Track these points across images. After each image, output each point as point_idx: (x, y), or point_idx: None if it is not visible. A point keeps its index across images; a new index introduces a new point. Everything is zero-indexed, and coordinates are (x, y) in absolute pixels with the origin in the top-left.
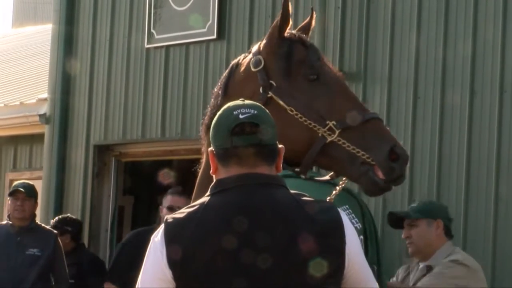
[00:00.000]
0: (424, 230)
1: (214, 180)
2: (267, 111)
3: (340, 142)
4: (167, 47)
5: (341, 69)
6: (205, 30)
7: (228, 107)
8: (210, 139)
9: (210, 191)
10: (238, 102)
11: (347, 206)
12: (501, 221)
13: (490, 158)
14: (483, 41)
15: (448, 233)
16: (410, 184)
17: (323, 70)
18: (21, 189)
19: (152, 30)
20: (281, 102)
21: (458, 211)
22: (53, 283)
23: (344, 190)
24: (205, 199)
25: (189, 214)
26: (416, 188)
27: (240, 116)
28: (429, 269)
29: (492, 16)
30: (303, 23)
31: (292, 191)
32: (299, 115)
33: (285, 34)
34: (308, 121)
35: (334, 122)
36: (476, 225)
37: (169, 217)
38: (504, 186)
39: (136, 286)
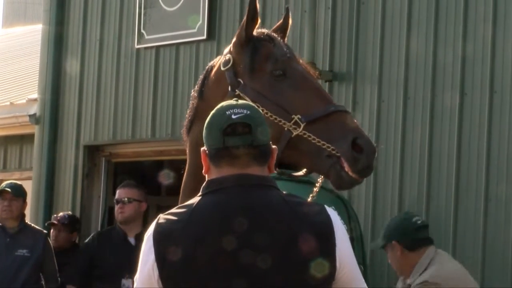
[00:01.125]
0: (390, 255)
1: (206, 180)
2: (260, 111)
3: (305, 136)
4: (157, 47)
5: (331, 69)
6: (195, 30)
7: (221, 107)
8: (203, 139)
9: (201, 192)
10: (232, 102)
11: (333, 207)
12: (491, 220)
13: (480, 158)
14: (473, 42)
15: (413, 246)
16: (400, 184)
17: (289, 66)
18: (8, 189)
19: (142, 31)
20: (247, 99)
21: (448, 211)
22: (43, 282)
23: (330, 191)
24: (196, 199)
25: (179, 214)
26: (406, 188)
27: (233, 116)
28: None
29: (482, 17)
30: (278, 24)
31: (284, 193)
32: (265, 111)
33: (254, 33)
34: (274, 116)
35: (299, 116)
36: (466, 224)
37: (161, 216)
38: (493, 186)
39: (134, 286)
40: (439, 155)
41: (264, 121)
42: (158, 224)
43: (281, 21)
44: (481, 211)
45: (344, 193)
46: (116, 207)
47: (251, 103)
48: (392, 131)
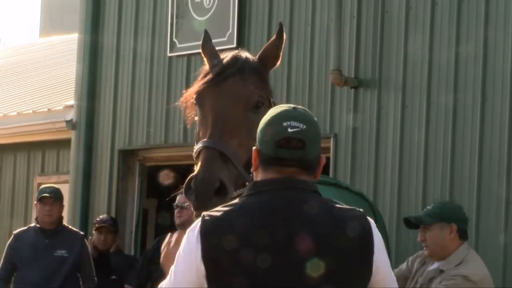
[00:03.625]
0: (438, 234)
1: (251, 182)
2: (316, 123)
3: None
4: (189, 55)
5: (357, 76)
6: (225, 39)
7: (280, 115)
8: (257, 138)
9: (246, 192)
10: (289, 109)
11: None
12: None
13: (501, 160)
14: (494, 48)
15: (463, 235)
16: (424, 187)
17: (199, 95)
18: (49, 195)
19: (174, 39)
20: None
21: (470, 212)
22: (81, 283)
23: (358, 195)
24: (241, 199)
25: (225, 212)
26: (429, 190)
27: (289, 130)
28: (440, 272)
29: (502, 23)
30: (271, 40)
31: (325, 198)
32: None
33: (222, 56)
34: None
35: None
36: (487, 226)
37: (206, 214)
38: None
39: (168, 278)
40: (461, 158)
41: (319, 135)
42: (204, 221)
43: (274, 37)
44: (502, 213)
45: (370, 196)
46: (175, 211)
47: (307, 112)
48: (415, 136)
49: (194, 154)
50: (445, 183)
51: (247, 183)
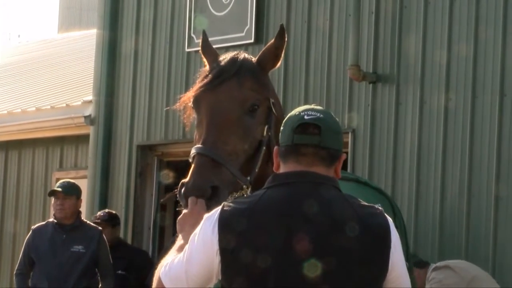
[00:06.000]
0: None
1: (272, 175)
2: (335, 118)
3: None
4: None
5: (375, 71)
6: (243, 34)
7: (299, 109)
8: (279, 140)
9: (266, 184)
10: (310, 106)
11: (379, 205)
12: None
13: None
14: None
15: (420, 264)
16: (442, 183)
17: (197, 100)
18: (59, 189)
19: (192, 35)
20: None
21: (488, 208)
22: (99, 278)
23: (377, 190)
24: (261, 191)
25: (245, 204)
26: (447, 185)
27: (305, 117)
28: None
29: None
30: (271, 42)
31: (345, 194)
32: None
33: (220, 58)
34: None
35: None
36: (506, 219)
37: (226, 204)
38: None
39: (179, 257)
40: (480, 155)
41: (337, 128)
42: (223, 211)
43: (274, 38)
44: None
45: (388, 190)
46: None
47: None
48: (434, 130)
49: (189, 159)
50: (463, 178)
51: (244, 186)
